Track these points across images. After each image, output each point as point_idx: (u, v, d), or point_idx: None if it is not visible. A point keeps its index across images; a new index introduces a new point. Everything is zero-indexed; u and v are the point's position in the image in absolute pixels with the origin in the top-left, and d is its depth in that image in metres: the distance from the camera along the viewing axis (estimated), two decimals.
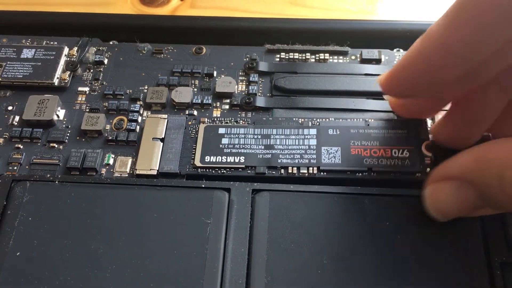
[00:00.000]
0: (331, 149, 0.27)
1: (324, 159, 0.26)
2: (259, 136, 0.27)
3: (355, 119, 0.28)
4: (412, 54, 0.21)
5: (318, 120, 0.28)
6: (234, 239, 0.24)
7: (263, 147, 0.27)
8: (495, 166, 0.19)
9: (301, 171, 0.26)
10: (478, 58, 0.19)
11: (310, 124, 0.28)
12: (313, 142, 0.27)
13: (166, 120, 0.29)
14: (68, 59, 0.32)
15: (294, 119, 0.28)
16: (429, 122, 0.28)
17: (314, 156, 0.26)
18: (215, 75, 0.32)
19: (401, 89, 0.23)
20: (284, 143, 0.27)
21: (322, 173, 0.26)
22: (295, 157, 0.27)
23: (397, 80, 0.23)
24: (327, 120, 0.28)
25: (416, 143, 0.26)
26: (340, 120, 0.28)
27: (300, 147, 0.27)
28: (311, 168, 0.26)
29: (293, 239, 0.24)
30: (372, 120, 0.28)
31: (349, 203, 0.25)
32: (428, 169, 0.26)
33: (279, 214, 0.24)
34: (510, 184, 0.19)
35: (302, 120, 0.28)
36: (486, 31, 0.18)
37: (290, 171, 0.26)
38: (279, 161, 0.26)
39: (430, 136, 0.27)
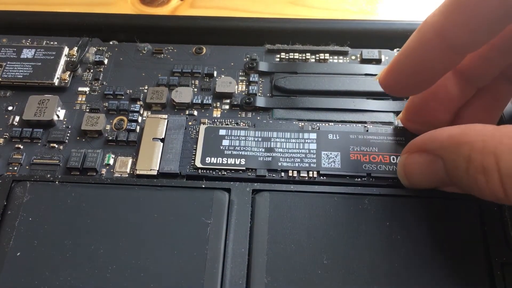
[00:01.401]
0: (331, 153, 0.27)
1: (324, 164, 0.26)
2: (260, 139, 0.27)
3: (354, 125, 0.28)
4: (410, 44, 0.22)
5: (318, 124, 0.28)
6: (234, 239, 0.24)
7: (263, 150, 0.27)
8: (465, 147, 0.20)
9: (301, 174, 0.26)
10: (475, 42, 0.20)
11: (310, 128, 0.28)
12: (313, 146, 0.27)
13: (166, 120, 0.29)
14: (68, 59, 0.32)
15: (294, 122, 0.28)
16: None
17: (314, 160, 0.27)
18: (215, 75, 0.32)
19: (401, 82, 0.24)
20: (284, 147, 0.27)
21: (322, 177, 0.26)
22: (295, 160, 0.27)
23: (397, 73, 0.23)
24: (327, 124, 0.28)
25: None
26: (340, 125, 0.28)
27: (300, 151, 0.27)
28: (311, 172, 0.26)
29: (293, 239, 0.24)
30: (371, 126, 0.28)
31: (349, 203, 0.25)
32: None
33: (279, 214, 0.24)
34: (475, 167, 0.19)
35: (302, 124, 0.28)
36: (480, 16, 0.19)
37: (290, 174, 0.26)
38: (280, 164, 0.27)
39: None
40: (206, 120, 0.29)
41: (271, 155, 0.27)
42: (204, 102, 0.30)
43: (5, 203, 0.25)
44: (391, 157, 0.27)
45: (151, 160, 0.27)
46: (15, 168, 0.28)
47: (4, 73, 0.31)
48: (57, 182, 0.26)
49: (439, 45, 0.21)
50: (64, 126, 0.29)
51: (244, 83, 0.31)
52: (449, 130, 0.22)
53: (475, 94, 0.25)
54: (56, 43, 0.33)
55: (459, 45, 0.21)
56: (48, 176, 0.27)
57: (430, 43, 0.21)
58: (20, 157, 0.28)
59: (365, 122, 0.29)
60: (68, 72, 0.31)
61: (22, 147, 0.29)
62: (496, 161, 0.19)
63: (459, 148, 0.20)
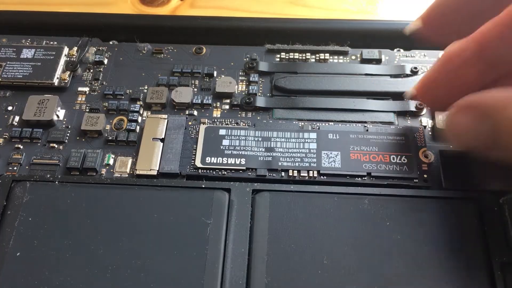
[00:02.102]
0: (331, 153, 0.27)
1: (324, 163, 0.26)
2: (260, 139, 0.27)
3: (354, 124, 0.28)
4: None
5: (318, 124, 0.28)
6: (234, 239, 0.24)
7: (263, 150, 0.27)
8: None
9: (302, 174, 0.26)
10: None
11: (310, 128, 0.28)
12: (313, 146, 0.27)
13: (166, 120, 0.29)
14: (68, 59, 0.32)
15: (294, 122, 0.28)
16: (427, 126, 0.28)
17: (314, 160, 0.27)
18: (215, 75, 0.32)
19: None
20: (284, 146, 0.27)
21: (322, 176, 0.26)
22: (295, 160, 0.27)
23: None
24: (327, 124, 0.28)
25: (414, 150, 0.27)
26: (340, 124, 0.28)
27: (301, 151, 0.27)
28: (311, 171, 0.26)
29: (293, 239, 0.24)
30: (371, 125, 0.28)
31: (349, 203, 0.25)
32: (425, 176, 0.26)
33: (279, 214, 0.24)
34: None
35: (302, 124, 0.28)
36: None
37: (290, 174, 0.26)
38: (280, 163, 0.27)
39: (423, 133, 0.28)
40: (206, 120, 0.29)
41: (271, 155, 0.27)
42: (204, 102, 0.30)
43: (5, 203, 0.25)
44: (391, 156, 0.27)
45: (151, 160, 0.27)
46: (15, 168, 0.28)
47: (4, 73, 0.31)
48: (57, 182, 0.26)
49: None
50: (64, 126, 0.29)
51: (244, 83, 0.31)
52: (499, 91, 0.21)
53: (495, 80, 0.24)
54: (56, 43, 0.33)
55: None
56: (48, 176, 0.27)
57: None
58: (20, 157, 0.28)
59: (365, 122, 0.29)
60: (68, 72, 0.31)
61: (22, 147, 0.28)
62: None
63: (507, 109, 0.20)
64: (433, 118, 0.29)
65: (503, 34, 0.22)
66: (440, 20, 0.23)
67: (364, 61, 0.32)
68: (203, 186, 0.25)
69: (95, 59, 0.32)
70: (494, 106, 0.21)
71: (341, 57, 0.32)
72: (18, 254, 0.23)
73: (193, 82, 0.31)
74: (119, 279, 0.23)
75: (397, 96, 0.30)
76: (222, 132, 0.28)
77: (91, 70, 0.32)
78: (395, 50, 0.32)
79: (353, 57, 0.32)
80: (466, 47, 0.23)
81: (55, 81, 0.31)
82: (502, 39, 0.22)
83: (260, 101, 0.30)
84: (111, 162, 0.28)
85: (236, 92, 0.31)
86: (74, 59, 0.32)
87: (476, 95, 0.23)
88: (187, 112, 0.30)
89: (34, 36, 0.33)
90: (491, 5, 0.21)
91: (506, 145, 0.21)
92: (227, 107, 0.30)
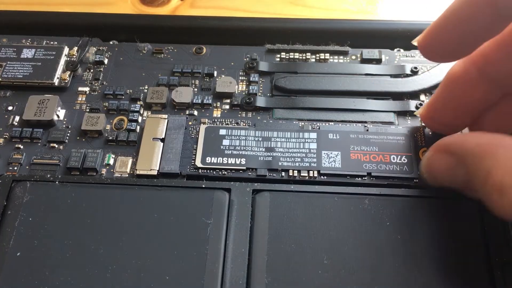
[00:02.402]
0: (331, 153, 0.27)
1: (324, 163, 0.26)
2: (260, 138, 0.28)
3: (354, 124, 0.28)
4: (457, 7, 0.22)
5: (318, 124, 0.28)
6: (235, 239, 0.24)
7: (264, 150, 0.27)
8: (489, 160, 0.20)
9: (302, 174, 0.26)
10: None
11: (310, 128, 0.28)
12: (314, 146, 0.27)
13: (167, 120, 0.29)
14: (68, 59, 0.32)
15: (294, 122, 0.28)
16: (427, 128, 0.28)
17: (315, 160, 0.27)
18: (215, 75, 0.32)
19: (442, 43, 0.23)
20: (284, 146, 0.27)
21: (322, 176, 0.26)
22: (295, 160, 0.27)
23: (441, 34, 0.23)
24: (327, 124, 0.28)
25: (414, 150, 0.27)
26: (340, 124, 0.28)
27: (301, 151, 0.27)
28: (312, 171, 0.26)
29: (293, 239, 0.24)
30: (372, 125, 0.28)
31: (349, 203, 0.25)
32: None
33: (279, 214, 0.24)
34: (493, 181, 0.19)
35: (302, 123, 0.28)
36: None
37: (290, 173, 0.26)
38: (280, 163, 0.27)
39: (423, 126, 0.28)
40: (206, 120, 0.29)
41: (271, 154, 0.27)
42: (204, 102, 0.30)
43: (5, 203, 0.25)
44: (391, 156, 0.27)
45: (151, 160, 0.27)
46: (15, 168, 0.28)
47: (4, 73, 0.31)
48: (57, 182, 0.26)
49: (490, 13, 0.21)
50: (64, 126, 0.29)
51: (244, 83, 0.31)
52: (478, 138, 0.22)
53: (501, 99, 0.25)
54: (56, 43, 0.33)
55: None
56: (48, 176, 0.27)
57: (480, 9, 0.21)
58: (20, 157, 0.28)
59: (365, 122, 0.29)
60: (68, 72, 0.31)
61: (22, 147, 0.29)
62: None
63: (483, 160, 0.20)
64: None
65: (506, 53, 0.22)
66: (436, 43, 0.23)
67: (364, 61, 0.32)
68: (203, 186, 0.25)
69: (96, 59, 0.32)
70: (472, 155, 0.21)
71: (341, 57, 0.32)
72: (18, 254, 0.23)
73: (193, 82, 0.31)
74: (119, 279, 0.23)
75: (397, 96, 0.30)
76: (222, 132, 0.28)
77: (92, 70, 0.32)
78: (395, 50, 0.32)
79: (353, 57, 0.32)
80: (469, 68, 0.23)
81: (56, 81, 0.31)
82: (504, 58, 0.22)
83: (260, 101, 0.30)
84: (111, 162, 0.28)
85: (236, 92, 0.31)
86: (75, 59, 0.32)
87: (455, 138, 0.23)
88: (187, 112, 0.30)
89: (35, 36, 0.33)
90: (488, 24, 0.22)
91: (480, 192, 0.21)
92: (227, 107, 0.30)
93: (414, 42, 0.24)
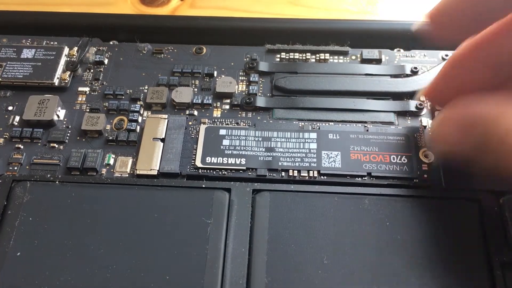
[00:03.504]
0: (331, 153, 0.27)
1: (324, 163, 0.26)
2: (260, 139, 0.28)
3: (354, 124, 0.28)
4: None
5: (318, 124, 0.28)
6: (235, 239, 0.24)
7: (264, 150, 0.27)
8: (508, 118, 0.20)
9: (302, 174, 0.26)
10: None
11: (310, 128, 0.28)
12: (314, 146, 0.27)
13: (167, 120, 0.29)
14: (68, 59, 0.32)
15: (294, 122, 0.28)
16: (427, 126, 0.28)
17: (315, 160, 0.27)
18: (215, 75, 0.32)
19: (454, 19, 0.23)
20: (284, 146, 0.27)
21: (322, 176, 0.26)
22: (295, 160, 0.27)
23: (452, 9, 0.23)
24: (327, 124, 0.28)
25: (414, 150, 0.27)
26: (340, 124, 0.28)
27: (301, 151, 0.27)
28: (312, 171, 0.26)
29: (293, 239, 0.24)
30: (371, 125, 0.28)
31: (349, 203, 0.25)
32: (425, 176, 0.26)
33: (279, 214, 0.24)
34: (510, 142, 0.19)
35: (302, 123, 0.28)
36: None
37: (290, 173, 0.26)
38: (280, 163, 0.27)
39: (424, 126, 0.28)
40: (207, 120, 0.29)
41: (271, 154, 0.27)
42: (204, 102, 0.30)
43: (5, 203, 0.25)
44: (391, 156, 0.27)
45: (151, 160, 0.27)
46: (15, 168, 0.28)
47: (4, 73, 0.31)
48: (57, 182, 0.26)
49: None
50: (64, 126, 0.29)
51: (244, 83, 0.31)
52: (496, 98, 0.21)
53: (505, 81, 0.24)
54: (56, 43, 0.33)
55: None
56: (48, 176, 0.27)
57: None
58: (20, 157, 0.28)
59: (365, 122, 0.29)
60: (68, 72, 0.31)
61: (22, 147, 0.29)
62: None
63: (500, 118, 0.20)
64: (433, 118, 0.29)
65: (509, 36, 0.22)
66: (448, 18, 0.23)
67: (364, 61, 0.32)
68: (204, 186, 0.25)
69: (96, 59, 0.32)
70: (489, 114, 0.21)
71: (341, 57, 0.32)
72: (18, 254, 0.23)
73: (193, 82, 0.31)
74: (119, 279, 0.23)
75: (397, 96, 0.30)
76: (222, 132, 0.28)
77: (92, 70, 0.32)
78: (395, 50, 0.32)
79: (353, 57, 0.32)
80: (474, 48, 0.23)
81: (56, 81, 0.31)
82: (506, 42, 0.22)
83: (260, 101, 0.30)
84: (111, 162, 0.28)
85: (236, 92, 0.31)
86: (75, 59, 0.32)
87: (466, 101, 0.22)
88: (187, 112, 0.30)
89: (35, 36, 0.33)
90: (500, 4, 0.21)
91: (495, 154, 0.20)
92: (227, 107, 0.30)
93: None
